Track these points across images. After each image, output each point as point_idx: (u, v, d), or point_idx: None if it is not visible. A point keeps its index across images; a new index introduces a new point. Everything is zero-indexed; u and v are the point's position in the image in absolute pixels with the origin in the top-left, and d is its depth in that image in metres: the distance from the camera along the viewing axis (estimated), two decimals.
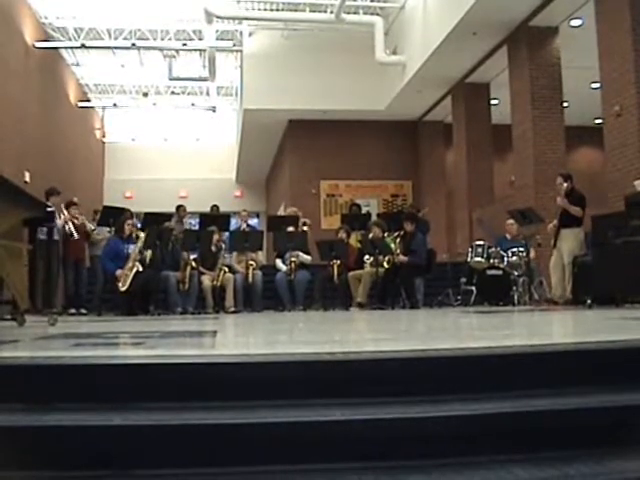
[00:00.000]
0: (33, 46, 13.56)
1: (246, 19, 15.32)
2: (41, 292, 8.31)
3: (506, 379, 2.27)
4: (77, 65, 17.56)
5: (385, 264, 9.31)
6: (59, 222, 9.13)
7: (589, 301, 7.07)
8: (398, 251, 9.31)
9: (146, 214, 10.02)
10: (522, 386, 2.25)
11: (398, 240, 9.47)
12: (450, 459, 1.98)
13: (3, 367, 2.20)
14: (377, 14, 14.70)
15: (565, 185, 8.22)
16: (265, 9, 15.05)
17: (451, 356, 2.38)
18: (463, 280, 10.08)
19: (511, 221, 9.78)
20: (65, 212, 9.37)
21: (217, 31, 15.70)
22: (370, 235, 9.70)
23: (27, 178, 12.04)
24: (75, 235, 9.33)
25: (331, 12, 13.89)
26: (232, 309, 9.16)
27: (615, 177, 8.76)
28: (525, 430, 2.08)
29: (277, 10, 14.91)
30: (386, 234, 9.61)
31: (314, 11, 14.70)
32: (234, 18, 15.37)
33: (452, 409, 2.10)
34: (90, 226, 9.89)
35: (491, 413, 2.10)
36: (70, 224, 9.31)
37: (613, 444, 2.07)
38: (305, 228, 10.50)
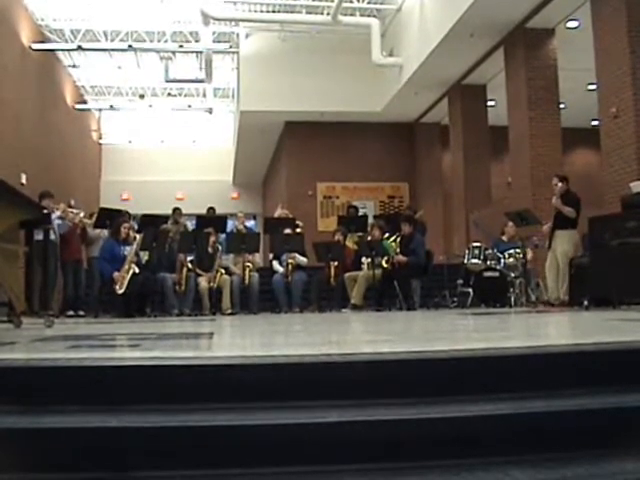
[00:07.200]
0: (30, 48, 13.55)
1: (243, 21, 15.33)
2: (38, 294, 8.28)
3: (503, 381, 2.27)
4: (74, 67, 17.54)
5: (384, 264, 9.32)
6: (57, 214, 9.10)
7: (586, 302, 7.07)
8: (397, 250, 9.31)
9: (143, 216, 10.00)
10: (519, 388, 2.24)
11: (398, 240, 9.47)
12: (447, 461, 1.98)
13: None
14: (374, 16, 14.69)
15: (560, 185, 8.24)
16: (262, 11, 15.04)
17: (448, 358, 2.37)
18: (460, 282, 10.07)
19: (511, 224, 9.77)
20: (58, 206, 9.37)
21: (214, 33, 15.69)
22: (369, 237, 9.70)
23: (23, 180, 12.02)
24: (80, 219, 9.47)
25: (328, 14, 13.89)
26: (229, 311, 9.15)
27: (612, 178, 8.77)
28: (522, 432, 2.08)
29: (274, 12, 14.89)
30: (385, 236, 9.61)
31: (311, 13, 14.71)
32: (231, 20, 15.37)
33: (449, 411, 2.10)
34: (87, 221, 9.83)
35: (488, 415, 2.10)
36: (69, 214, 9.36)
37: (610, 446, 2.07)
38: (298, 230, 10.50)
